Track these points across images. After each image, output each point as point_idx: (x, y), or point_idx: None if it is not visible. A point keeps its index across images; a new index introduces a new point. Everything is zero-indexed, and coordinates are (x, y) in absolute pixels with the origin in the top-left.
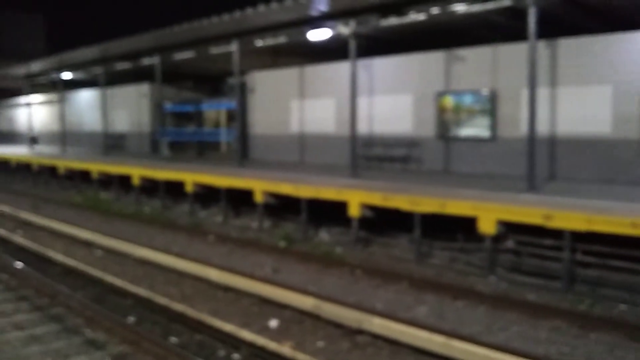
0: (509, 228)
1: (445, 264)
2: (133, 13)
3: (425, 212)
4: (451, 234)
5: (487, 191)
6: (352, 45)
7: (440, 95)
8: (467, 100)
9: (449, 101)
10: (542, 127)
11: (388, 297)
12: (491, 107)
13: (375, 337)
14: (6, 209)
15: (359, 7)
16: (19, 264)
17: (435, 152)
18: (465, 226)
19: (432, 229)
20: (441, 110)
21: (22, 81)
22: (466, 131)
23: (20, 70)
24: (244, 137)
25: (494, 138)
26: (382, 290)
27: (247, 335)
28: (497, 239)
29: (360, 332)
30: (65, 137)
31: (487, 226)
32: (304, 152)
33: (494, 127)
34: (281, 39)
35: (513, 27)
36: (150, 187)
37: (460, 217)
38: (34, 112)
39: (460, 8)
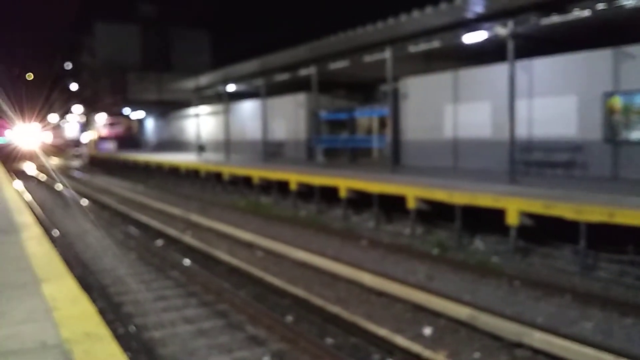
0: None
1: (614, 278)
2: (290, 25)
3: (592, 222)
4: (620, 246)
5: None
6: (510, 46)
7: (608, 95)
8: (639, 100)
9: (618, 102)
10: None
11: (550, 311)
12: None
13: (536, 351)
14: (177, 211)
15: (517, 6)
16: (187, 262)
17: (602, 157)
18: (637, 237)
19: (599, 240)
20: (609, 112)
21: (191, 94)
22: (638, 134)
23: (190, 83)
24: (396, 143)
25: None
26: (543, 303)
27: (401, 341)
28: None
29: (519, 345)
30: (229, 145)
31: None
32: (457, 157)
33: None
34: (435, 44)
35: None
36: (307, 192)
37: (630, 228)
38: (201, 122)
39: (629, 2)
